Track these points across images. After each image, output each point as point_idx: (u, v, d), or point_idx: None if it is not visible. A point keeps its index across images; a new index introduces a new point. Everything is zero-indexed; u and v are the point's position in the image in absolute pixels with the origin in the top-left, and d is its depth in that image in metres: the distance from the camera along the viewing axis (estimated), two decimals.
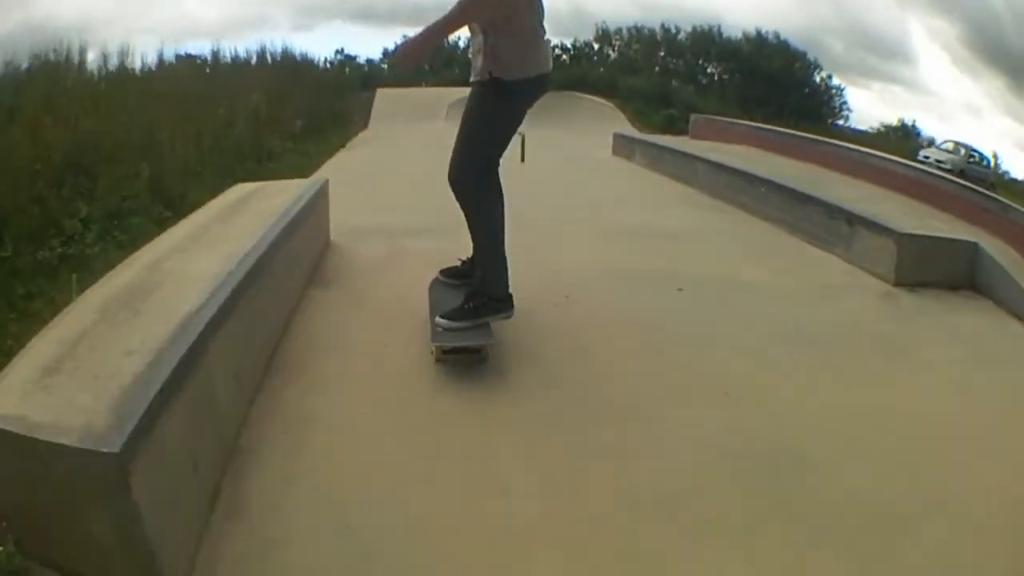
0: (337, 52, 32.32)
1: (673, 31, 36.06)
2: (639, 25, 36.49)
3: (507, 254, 4.51)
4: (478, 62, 4.34)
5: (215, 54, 22.35)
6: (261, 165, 12.66)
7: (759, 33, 35.34)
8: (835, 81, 36.38)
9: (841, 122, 35.37)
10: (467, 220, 4.49)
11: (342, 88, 25.44)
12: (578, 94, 26.04)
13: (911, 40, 53.09)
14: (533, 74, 4.35)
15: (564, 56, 34.47)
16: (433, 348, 4.38)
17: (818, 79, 36.16)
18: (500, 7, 4.17)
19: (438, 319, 4.44)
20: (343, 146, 16.89)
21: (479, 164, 4.44)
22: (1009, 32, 41.75)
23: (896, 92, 49.42)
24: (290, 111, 17.46)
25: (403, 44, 4.37)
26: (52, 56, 13.21)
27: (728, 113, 24.09)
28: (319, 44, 53.99)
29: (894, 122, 36.89)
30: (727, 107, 27.22)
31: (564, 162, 13.82)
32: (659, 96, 27.84)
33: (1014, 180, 34.59)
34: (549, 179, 11.38)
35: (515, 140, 4.72)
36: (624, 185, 11.80)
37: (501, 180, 4.49)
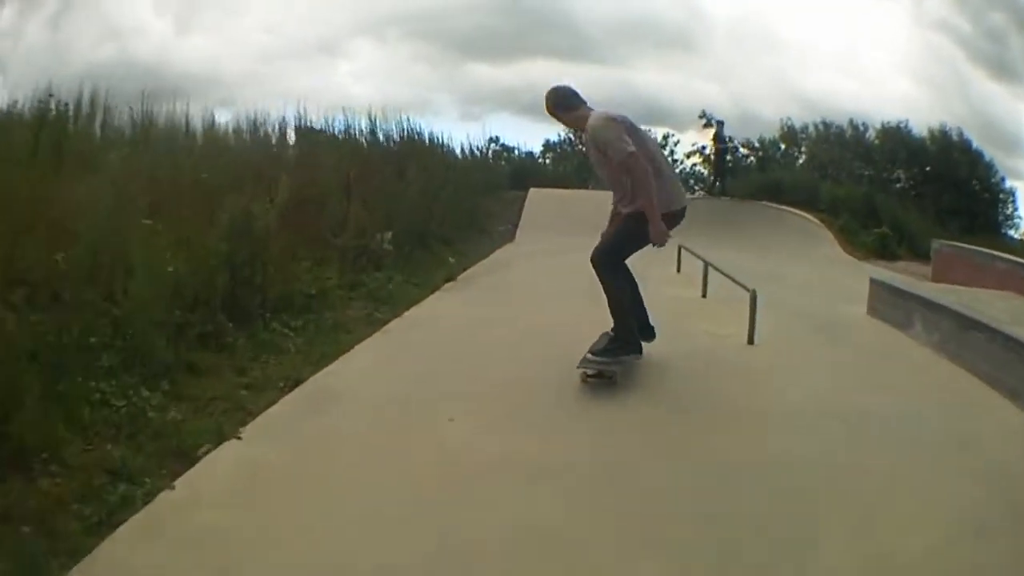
0: (491, 140, 27.20)
1: (862, 128, 31.38)
2: (827, 121, 31.77)
3: None
4: (626, 196, 6.34)
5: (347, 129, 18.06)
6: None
7: (944, 131, 30.41)
8: (1007, 183, 31.23)
9: (1013, 232, 30.85)
10: (604, 290, 6.40)
11: (487, 183, 20.89)
12: (775, 205, 21.66)
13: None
14: (674, 208, 6.38)
15: (751, 157, 30.12)
16: (579, 372, 6.26)
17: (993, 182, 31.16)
18: (648, 165, 6.08)
19: (588, 355, 6.28)
20: (453, 279, 11.42)
21: (618, 260, 6.46)
22: None
23: None
24: (380, 215, 12.30)
25: (654, 235, 6.14)
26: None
27: (932, 231, 21.59)
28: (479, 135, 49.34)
29: None
30: (926, 221, 23.79)
31: (791, 322, 9.04)
32: (867, 209, 22.81)
33: None
34: (788, 375, 7.16)
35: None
36: (925, 402, 6.49)
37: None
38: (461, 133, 31.06)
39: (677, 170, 26.04)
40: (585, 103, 6.44)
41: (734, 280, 8.48)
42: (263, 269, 7.87)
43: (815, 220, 21.24)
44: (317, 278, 9.18)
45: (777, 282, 11.16)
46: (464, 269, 12.22)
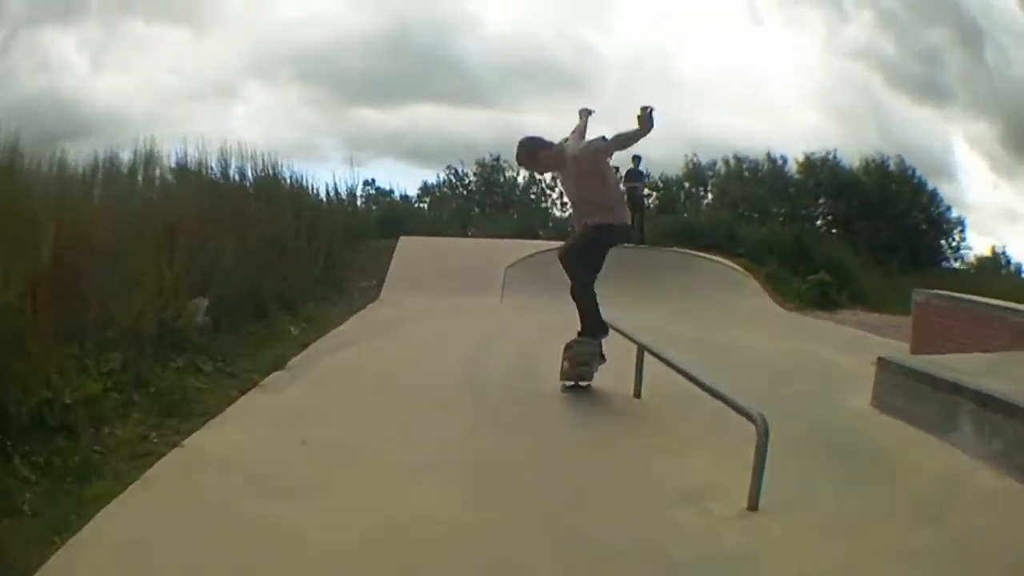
0: (366, 183, 24.99)
1: (780, 161, 30.05)
2: (739, 155, 30.36)
3: None
4: (595, 210, 7.41)
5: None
6: None
7: (881, 161, 29.46)
8: (954, 213, 30.57)
9: (958, 264, 30.28)
10: (575, 286, 7.55)
11: (352, 230, 17.72)
12: (692, 252, 19.19)
13: (953, 154, 49.52)
14: (625, 221, 7.64)
15: (654, 196, 27.71)
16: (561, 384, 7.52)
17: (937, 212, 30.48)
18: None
19: (566, 366, 7.55)
20: (283, 365, 8.17)
21: (588, 271, 7.50)
22: None
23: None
24: (201, 273, 9.11)
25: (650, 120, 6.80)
26: None
27: (873, 273, 21.37)
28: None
29: (984, 251, 31.40)
30: (862, 261, 22.12)
31: (777, 436, 5.05)
32: (797, 252, 20.71)
33: None
34: None
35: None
36: None
37: None
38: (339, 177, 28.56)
39: (567, 214, 25.42)
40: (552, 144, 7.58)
41: (687, 376, 6.04)
42: None
43: (738, 268, 19.07)
44: (88, 375, 6.20)
45: (716, 354, 9.21)
46: (305, 345, 9.33)
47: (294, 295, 11.59)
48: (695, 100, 39.36)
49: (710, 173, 30.70)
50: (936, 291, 11.43)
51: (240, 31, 36.28)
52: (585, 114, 8.01)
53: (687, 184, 29.85)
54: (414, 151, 41.20)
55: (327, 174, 36.03)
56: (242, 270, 9.92)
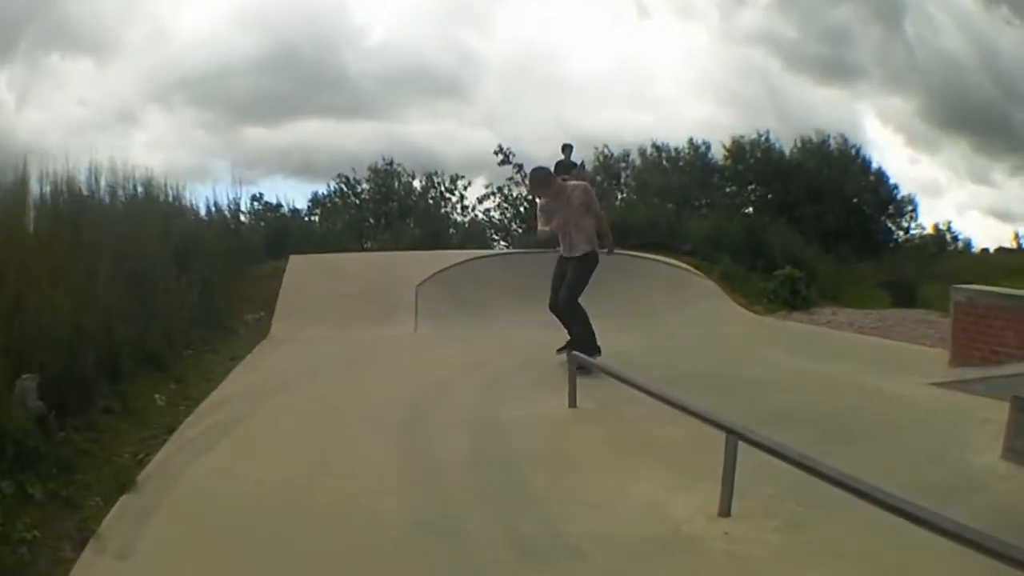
0: (254, 198, 22.68)
1: (703, 148, 28.44)
2: (659, 143, 28.93)
3: None
4: (575, 244, 9.29)
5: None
6: None
7: (822, 141, 28.18)
8: (902, 191, 29.33)
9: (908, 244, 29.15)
10: (567, 323, 9.33)
11: (235, 252, 14.86)
12: (632, 254, 16.46)
13: (864, 131, 47.43)
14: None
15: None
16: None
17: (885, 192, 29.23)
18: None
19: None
20: (131, 484, 5.62)
21: (578, 296, 9.21)
22: (971, 85, 35.66)
23: None
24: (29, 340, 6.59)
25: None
26: None
27: (833, 264, 20.42)
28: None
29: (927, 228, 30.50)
30: (815, 251, 20.57)
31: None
32: (749, 246, 18.94)
33: (985, 250, 32.52)
34: None
35: None
36: None
37: None
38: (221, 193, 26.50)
39: (468, 219, 26.01)
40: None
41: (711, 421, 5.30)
42: None
43: (687, 267, 17.04)
44: None
45: (739, 399, 7.56)
46: (171, 430, 6.91)
47: (161, 345, 9.12)
48: (582, 99, 38.62)
49: (623, 165, 29.01)
50: (978, 287, 10.14)
51: (139, 57, 34.22)
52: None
53: (599, 178, 27.51)
54: (304, 167, 40.24)
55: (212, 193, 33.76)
56: (89, 322, 7.48)
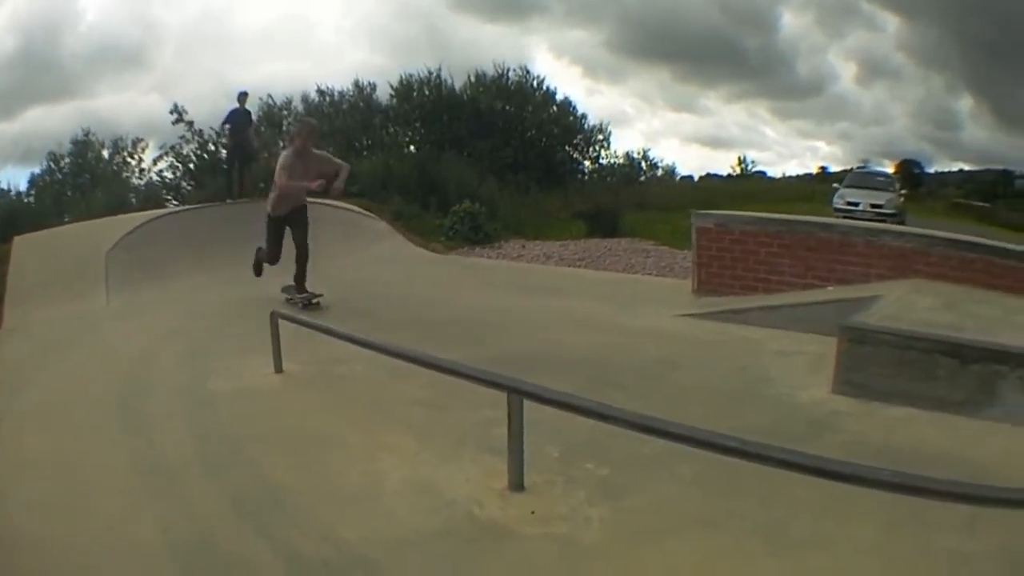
0: None
1: (368, 88, 28.27)
2: (324, 88, 28.79)
3: None
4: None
5: None
6: None
7: (499, 75, 28.24)
8: (592, 121, 29.98)
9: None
10: (304, 260, 9.60)
11: None
12: (315, 201, 15.45)
13: (534, 64, 48.38)
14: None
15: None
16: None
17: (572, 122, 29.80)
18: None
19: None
20: None
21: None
22: (680, 14, 38.00)
23: None
24: None
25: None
26: None
27: (514, 198, 20.66)
28: None
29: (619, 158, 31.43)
30: (487, 183, 20.71)
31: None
32: (420, 183, 19.01)
33: (689, 177, 34.76)
34: None
35: None
36: None
37: None
38: None
39: (143, 182, 26.20)
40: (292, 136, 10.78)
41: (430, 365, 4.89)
42: None
43: (359, 209, 16.50)
44: None
45: (432, 334, 7.46)
46: None
47: None
48: (248, 54, 38.47)
49: (286, 113, 28.52)
50: (732, 212, 10.61)
51: None
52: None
53: (263, 128, 26.41)
54: (29, 155, 36.65)
55: None
56: None
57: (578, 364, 6.54)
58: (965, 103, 44.08)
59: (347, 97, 28.46)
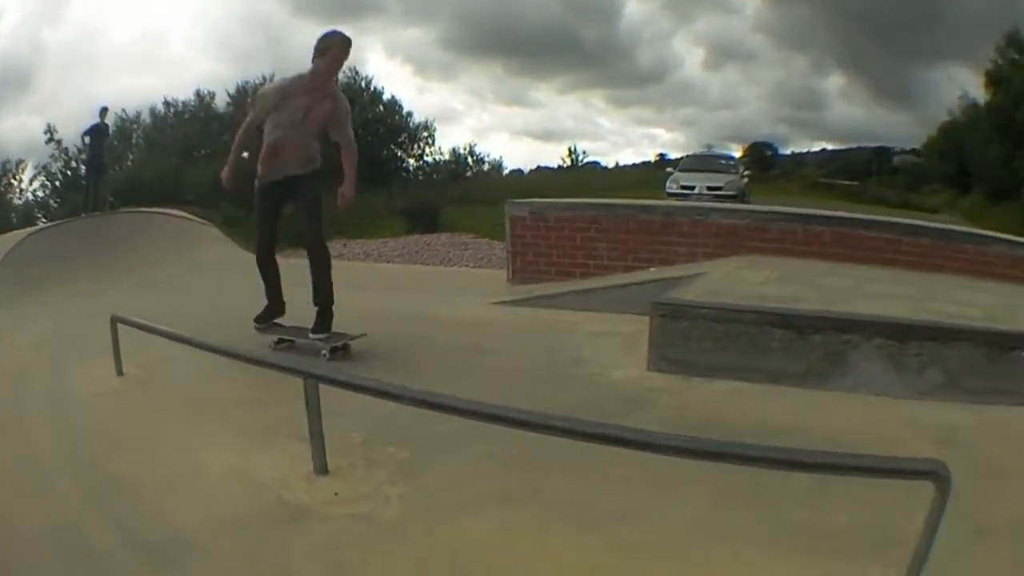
0: None
1: (208, 97, 29.47)
2: (170, 100, 29.58)
3: None
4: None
5: None
6: None
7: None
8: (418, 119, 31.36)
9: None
10: (326, 266, 6.68)
11: None
12: (144, 210, 16.69)
13: (369, 65, 48.25)
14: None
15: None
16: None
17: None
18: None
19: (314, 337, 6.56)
20: None
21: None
22: (513, 9, 39.95)
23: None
24: None
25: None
26: None
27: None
28: None
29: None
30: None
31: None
32: (250, 188, 18.52)
33: (519, 171, 35.75)
34: None
35: None
36: None
37: None
38: None
39: (23, 200, 27.46)
40: (313, 55, 6.58)
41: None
42: None
43: (192, 217, 16.89)
44: None
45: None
46: None
47: None
48: (115, 70, 38.33)
49: (135, 126, 29.32)
50: (547, 200, 10.48)
51: None
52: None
53: (116, 143, 27.16)
54: None
55: None
56: None
57: (390, 355, 6.60)
58: (834, 82, 46.25)
59: (189, 107, 29.11)
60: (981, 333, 5.49)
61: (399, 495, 4.05)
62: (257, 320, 6.96)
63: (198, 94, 28.99)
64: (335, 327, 6.64)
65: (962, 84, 34.98)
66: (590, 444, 3.29)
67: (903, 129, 43.75)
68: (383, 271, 12.75)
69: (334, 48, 6.42)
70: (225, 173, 6.90)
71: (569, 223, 9.36)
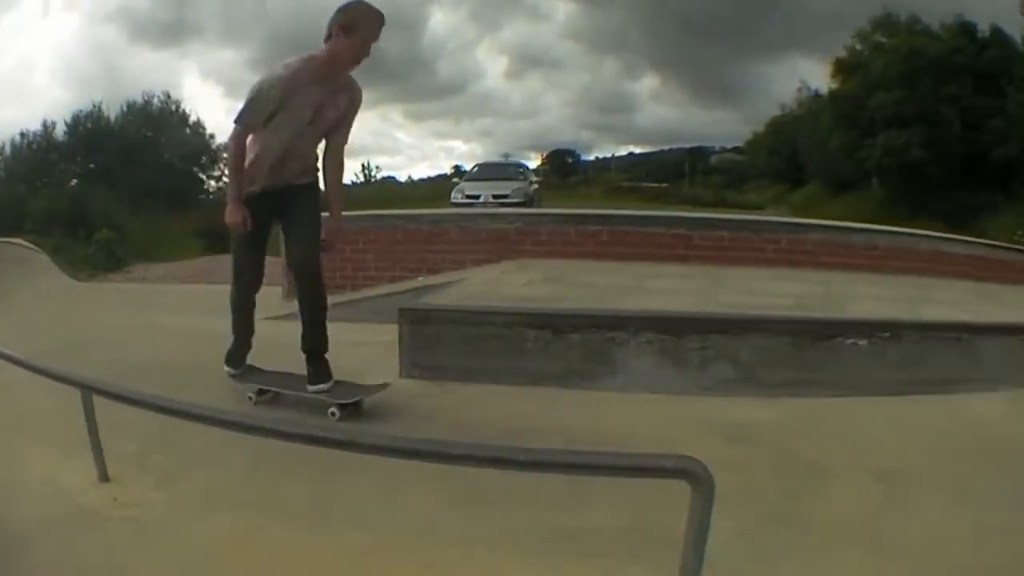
0: None
1: (50, 125, 29.96)
2: (25, 132, 30.15)
3: None
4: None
5: None
6: None
7: (146, 102, 30.53)
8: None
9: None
10: (318, 302, 5.37)
11: None
12: None
13: (183, 88, 45.21)
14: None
15: None
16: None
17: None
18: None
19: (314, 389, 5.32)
20: None
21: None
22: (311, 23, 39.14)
23: None
24: None
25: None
26: None
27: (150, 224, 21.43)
28: None
29: None
30: (122, 210, 23.18)
31: None
32: (75, 216, 21.75)
33: (391, 179, 37.29)
34: None
35: None
36: None
37: None
38: None
39: None
40: (327, 36, 5.00)
41: None
42: None
43: (23, 243, 15.83)
44: None
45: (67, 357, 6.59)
46: None
47: None
48: None
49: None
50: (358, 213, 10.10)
51: None
52: None
53: None
54: None
55: None
56: None
57: (162, 368, 6.24)
58: (646, 84, 45.95)
59: (37, 137, 29.34)
60: (784, 322, 5.49)
61: (162, 500, 4.17)
62: (229, 363, 5.74)
63: (43, 124, 29.35)
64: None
65: (801, 76, 35.73)
66: (336, 452, 3.15)
67: (725, 128, 43.91)
68: (175, 292, 13.58)
69: (364, 25, 4.92)
70: (232, 213, 5.20)
71: (360, 236, 9.05)
